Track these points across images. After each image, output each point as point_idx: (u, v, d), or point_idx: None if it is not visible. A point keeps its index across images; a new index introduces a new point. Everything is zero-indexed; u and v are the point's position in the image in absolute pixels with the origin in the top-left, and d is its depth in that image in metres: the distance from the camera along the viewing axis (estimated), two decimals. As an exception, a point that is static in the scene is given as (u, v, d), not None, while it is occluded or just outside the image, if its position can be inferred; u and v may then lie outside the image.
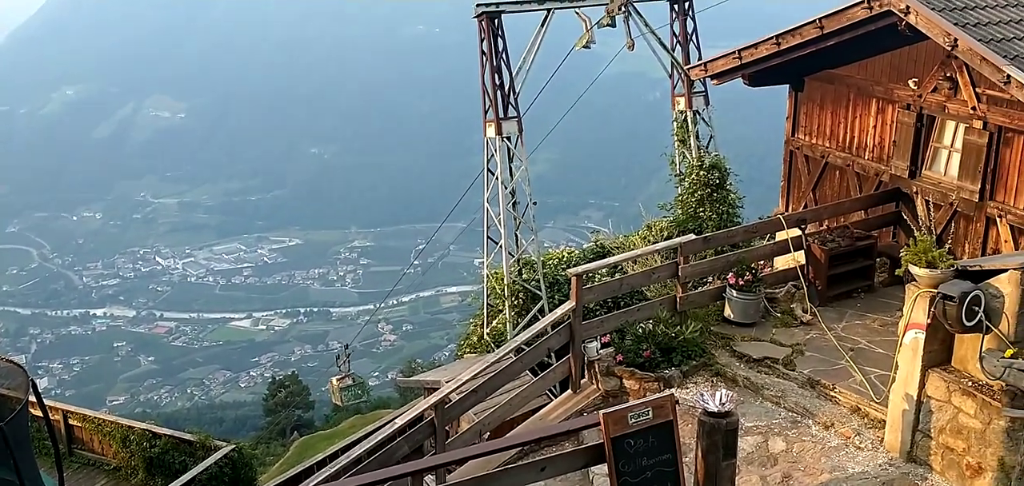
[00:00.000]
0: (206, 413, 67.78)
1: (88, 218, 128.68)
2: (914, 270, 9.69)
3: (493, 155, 18.81)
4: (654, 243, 17.44)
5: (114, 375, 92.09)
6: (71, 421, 19.73)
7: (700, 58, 19.83)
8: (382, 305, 74.86)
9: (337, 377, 25.67)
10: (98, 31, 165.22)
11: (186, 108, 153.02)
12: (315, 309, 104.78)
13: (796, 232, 13.94)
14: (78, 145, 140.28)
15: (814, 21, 13.67)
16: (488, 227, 19.30)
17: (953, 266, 9.65)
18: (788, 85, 16.12)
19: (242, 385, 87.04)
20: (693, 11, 20.85)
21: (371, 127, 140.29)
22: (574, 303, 11.81)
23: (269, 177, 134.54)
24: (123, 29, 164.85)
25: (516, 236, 19.26)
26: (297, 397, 45.88)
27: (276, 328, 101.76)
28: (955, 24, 12.08)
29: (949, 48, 12.09)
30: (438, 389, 11.05)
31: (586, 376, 12.25)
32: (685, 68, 20.30)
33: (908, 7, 12.35)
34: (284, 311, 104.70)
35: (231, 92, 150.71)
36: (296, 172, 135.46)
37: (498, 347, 15.17)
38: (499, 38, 18.52)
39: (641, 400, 8.83)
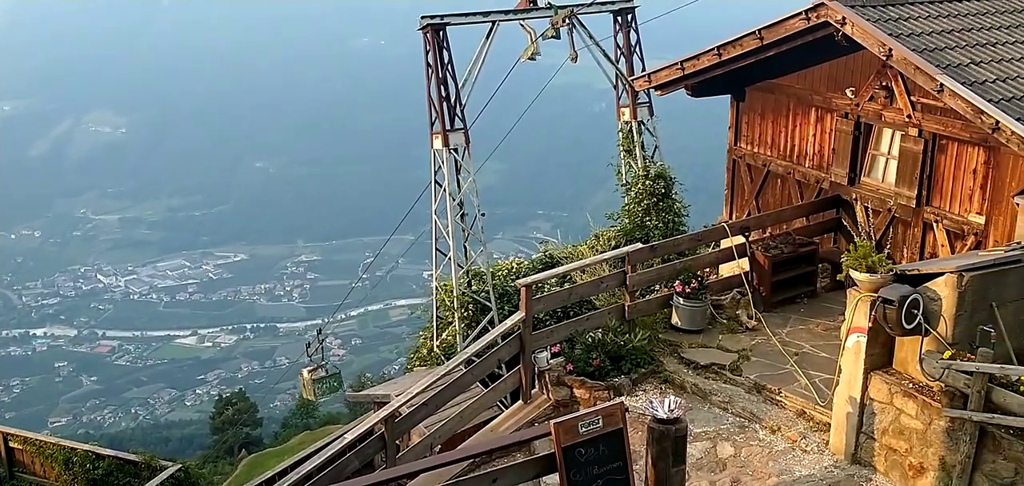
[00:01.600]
0: (151, 433, 66.45)
1: (26, 236, 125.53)
2: (855, 275, 9.90)
3: (440, 167, 18.81)
4: (602, 252, 17.57)
5: (56, 396, 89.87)
6: (12, 444, 19.21)
7: (644, 69, 20.06)
8: (330, 320, 74.18)
9: (308, 368, 23.44)
10: (35, 46, 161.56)
11: (127, 123, 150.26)
12: (262, 325, 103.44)
13: (740, 239, 14.16)
14: (15, 162, 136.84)
15: (754, 32, 13.93)
16: (436, 239, 19.28)
17: (892, 270, 9.89)
18: (730, 95, 16.39)
19: (188, 403, 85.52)
20: (636, 23, 21.07)
21: (317, 140, 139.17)
22: (524, 314, 11.85)
23: (213, 192, 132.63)
24: (61, 44, 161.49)
25: (465, 248, 19.26)
26: (245, 414, 45.25)
27: (222, 345, 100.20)
28: (890, 34, 12.40)
29: (884, 58, 12.41)
30: (388, 403, 11.01)
31: (537, 386, 12.29)
32: (629, 79, 20.50)
33: (844, 18, 12.65)
34: (230, 327, 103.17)
35: (174, 106, 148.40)
36: (241, 186, 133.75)
37: (448, 360, 15.14)
38: (445, 50, 18.53)
39: (591, 409, 8.89)
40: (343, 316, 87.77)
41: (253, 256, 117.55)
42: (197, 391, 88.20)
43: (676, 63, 15.59)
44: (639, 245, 14.07)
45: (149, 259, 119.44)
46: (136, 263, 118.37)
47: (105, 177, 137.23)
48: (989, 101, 11.44)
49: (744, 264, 14.10)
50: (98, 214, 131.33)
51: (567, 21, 19.45)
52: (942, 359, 9.27)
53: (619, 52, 21.23)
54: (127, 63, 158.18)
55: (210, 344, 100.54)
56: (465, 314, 18.76)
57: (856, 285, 9.95)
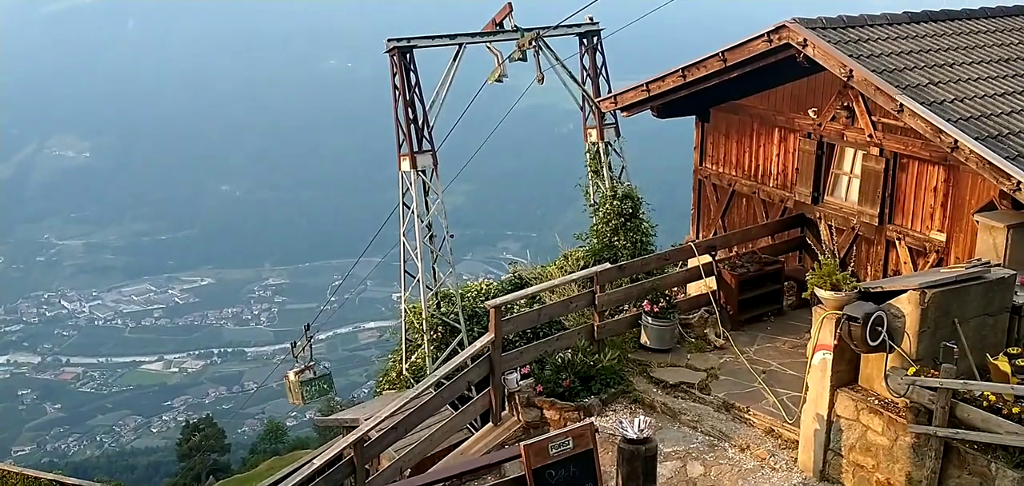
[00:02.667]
0: (117, 461, 65.41)
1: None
2: (820, 293, 10.01)
3: (408, 189, 18.79)
4: (571, 273, 17.62)
5: (19, 424, 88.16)
6: (-28, 475, 18.88)
7: (610, 91, 20.20)
8: (299, 342, 73.55)
9: (294, 370, 21.52)
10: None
11: (91, 147, 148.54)
12: (229, 349, 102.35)
13: (707, 258, 14.28)
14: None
15: (717, 54, 14.10)
16: (405, 261, 19.23)
17: (856, 288, 10.01)
18: (695, 116, 16.55)
19: (154, 430, 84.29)
20: (602, 46, 21.23)
21: (284, 163, 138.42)
22: (493, 335, 11.85)
23: (179, 216, 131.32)
24: (23, 67, 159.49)
25: (433, 269, 19.23)
26: (212, 440, 44.66)
27: (189, 370, 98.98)
28: (850, 56, 12.61)
29: (845, 79, 12.61)
30: (357, 427, 10.94)
31: (507, 408, 12.28)
32: (595, 101, 20.63)
33: (805, 40, 12.85)
34: (197, 352, 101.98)
35: (138, 130, 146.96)
36: (207, 210, 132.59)
37: (417, 382, 15.08)
38: (411, 72, 18.55)
39: (562, 430, 8.91)
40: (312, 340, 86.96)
41: (220, 280, 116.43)
42: (163, 417, 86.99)
43: (641, 85, 15.73)
44: (608, 265, 14.14)
45: (114, 284, 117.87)
46: (101, 288, 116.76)
47: (69, 201, 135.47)
48: (947, 121, 11.66)
49: (711, 283, 14.21)
50: (62, 239, 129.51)
51: (533, 44, 19.56)
52: (907, 375, 9.39)
53: (585, 74, 21.38)
54: (91, 87, 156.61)
55: (176, 369, 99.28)
56: (434, 336, 18.70)
57: (821, 303, 10.06)
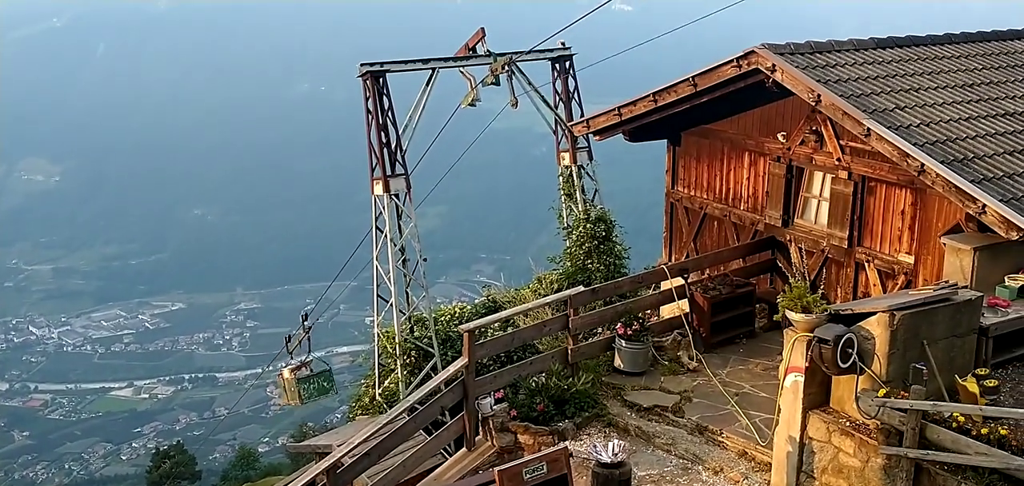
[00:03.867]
0: (86, 489, 64.35)
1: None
2: (791, 315, 10.09)
3: (381, 213, 18.76)
4: (545, 296, 17.65)
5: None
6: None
7: (582, 114, 20.32)
8: (269, 368, 72.93)
9: (290, 367, 19.66)
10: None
11: (61, 171, 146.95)
12: (200, 375, 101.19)
13: (679, 281, 14.36)
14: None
15: (688, 79, 14.24)
16: (378, 285, 19.16)
17: (826, 310, 10.10)
18: (667, 140, 16.68)
19: (124, 458, 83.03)
20: (574, 70, 21.38)
21: (257, 187, 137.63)
22: (467, 359, 11.84)
23: (150, 240, 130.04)
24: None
25: (407, 293, 19.18)
26: (183, 467, 44.07)
27: (159, 396, 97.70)
28: (818, 81, 12.78)
29: (813, 103, 12.77)
30: (330, 453, 10.87)
31: (481, 433, 12.25)
32: (568, 125, 20.74)
33: (774, 65, 13.01)
34: (167, 378, 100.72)
35: (109, 154, 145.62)
36: (179, 234, 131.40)
37: (391, 407, 15.01)
38: (384, 97, 18.56)
39: (536, 455, 8.90)
40: (283, 364, 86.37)
41: (191, 305, 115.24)
42: (133, 444, 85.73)
43: (613, 109, 15.85)
44: (581, 288, 14.19)
45: (83, 309, 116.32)
46: (70, 314, 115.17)
47: (38, 226, 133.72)
48: (914, 145, 11.84)
49: (684, 305, 14.29)
50: (31, 264, 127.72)
51: (506, 68, 19.66)
52: (877, 397, 9.48)
53: (558, 98, 21.49)
54: (61, 111, 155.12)
55: (146, 396, 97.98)
56: (407, 361, 18.63)
57: (792, 325, 10.14)
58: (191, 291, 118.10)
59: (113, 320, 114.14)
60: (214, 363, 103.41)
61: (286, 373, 19.36)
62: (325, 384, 19.63)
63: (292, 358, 19.80)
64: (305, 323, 19.79)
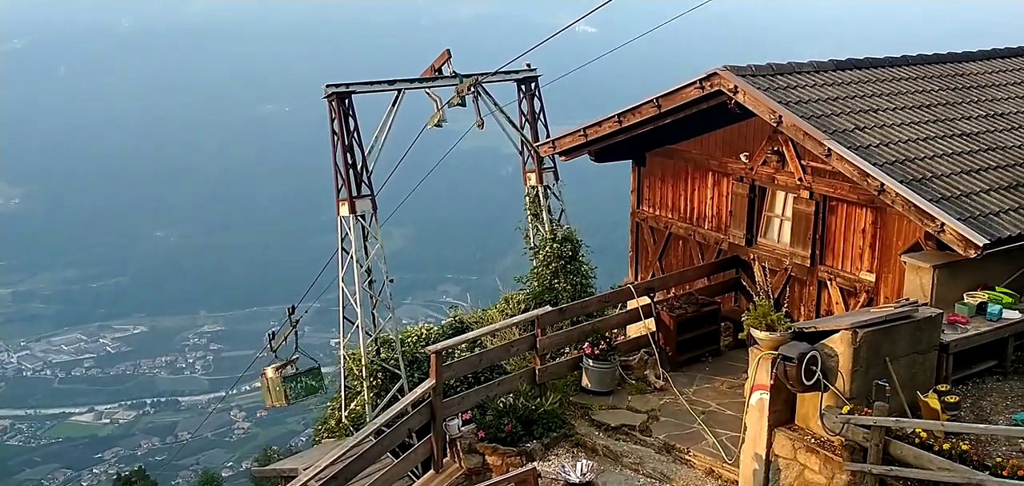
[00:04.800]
0: (45, 517, 63.06)
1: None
2: (756, 333, 10.19)
3: (347, 234, 18.66)
4: (512, 316, 17.65)
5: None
6: None
7: (548, 135, 20.41)
8: (233, 391, 72.15)
9: (274, 365, 18.57)
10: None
11: (21, 193, 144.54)
12: (163, 399, 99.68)
13: (645, 300, 14.45)
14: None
15: (652, 100, 14.39)
16: (344, 307, 19.02)
17: (790, 328, 10.22)
18: (631, 160, 16.81)
19: (85, 484, 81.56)
20: (539, 91, 21.47)
21: (221, 208, 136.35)
22: (434, 381, 11.80)
23: (112, 263, 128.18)
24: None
25: (373, 315, 19.06)
26: (145, 494, 43.37)
27: (120, 421, 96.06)
28: (779, 102, 12.97)
29: (775, 124, 12.96)
30: (296, 477, 10.77)
31: (448, 455, 12.20)
32: (534, 145, 20.81)
33: (736, 87, 13.18)
34: (129, 403, 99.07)
35: (71, 176, 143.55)
36: (141, 257, 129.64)
37: (357, 430, 14.90)
38: (350, 118, 18.50)
39: (504, 476, 8.89)
40: (248, 387, 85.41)
41: (153, 328, 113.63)
42: (94, 470, 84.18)
43: (579, 129, 15.96)
44: (549, 308, 14.22)
45: (43, 333, 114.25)
46: (29, 338, 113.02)
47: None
48: (873, 164, 12.04)
49: (650, 324, 14.37)
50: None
51: (472, 89, 19.68)
52: (841, 414, 9.59)
53: (524, 119, 21.56)
54: (21, 133, 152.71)
55: (108, 420, 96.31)
56: (374, 383, 18.49)
57: (757, 343, 10.24)
58: (153, 314, 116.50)
59: (74, 344, 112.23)
60: (177, 387, 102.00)
61: (269, 372, 18.32)
62: (313, 382, 18.66)
63: (276, 356, 18.85)
64: (292, 317, 18.74)
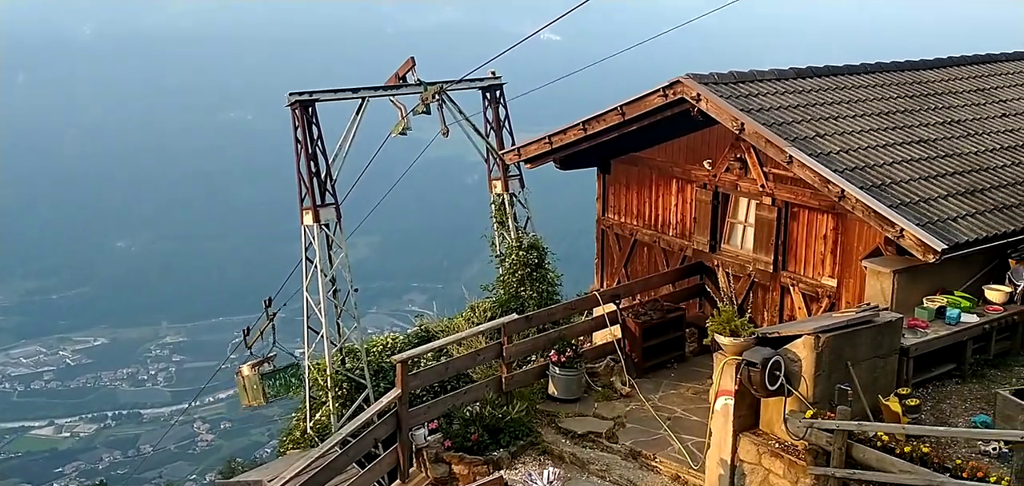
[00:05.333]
0: (3, 534, 61.85)
1: None
2: (719, 339, 10.26)
3: (311, 243, 18.53)
4: (478, 324, 17.63)
5: None
6: None
7: (513, 143, 20.44)
8: (196, 403, 71.30)
9: (249, 363, 17.88)
10: None
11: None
12: (124, 412, 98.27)
13: (611, 307, 14.49)
14: None
15: (617, 107, 14.47)
16: (308, 316, 18.88)
17: (754, 334, 10.30)
18: (597, 168, 16.88)
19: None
20: (504, 99, 21.49)
21: (184, 217, 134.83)
22: (400, 390, 11.75)
23: (72, 273, 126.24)
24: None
25: (338, 324, 18.94)
26: (106, 509, 42.75)
27: (81, 435, 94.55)
28: (741, 110, 13.09)
29: (738, 131, 13.07)
30: (261, 491, 10.67)
31: (415, 464, 12.15)
32: (499, 153, 20.83)
33: (699, 94, 13.29)
34: (90, 415, 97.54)
35: (31, 185, 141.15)
36: (102, 267, 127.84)
37: (323, 441, 14.79)
38: (314, 126, 18.40)
39: (471, 485, 8.85)
40: (211, 398, 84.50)
41: (115, 340, 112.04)
42: (54, 485, 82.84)
43: (544, 137, 15.99)
44: (515, 316, 14.21)
45: (2, 346, 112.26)
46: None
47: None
48: (834, 171, 12.19)
49: (616, 331, 14.42)
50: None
51: (437, 97, 19.65)
52: (804, 418, 9.68)
53: (489, 127, 21.57)
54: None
55: (68, 434, 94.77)
56: (339, 393, 18.36)
57: (721, 349, 10.31)
58: (115, 326, 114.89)
59: (33, 356, 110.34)
60: (138, 399, 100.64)
61: (245, 369, 17.52)
62: (293, 379, 17.99)
63: (252, 354, 18.21)
64: (268, 310, 17.97)
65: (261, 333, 18.21)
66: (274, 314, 18.28)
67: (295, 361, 18.50)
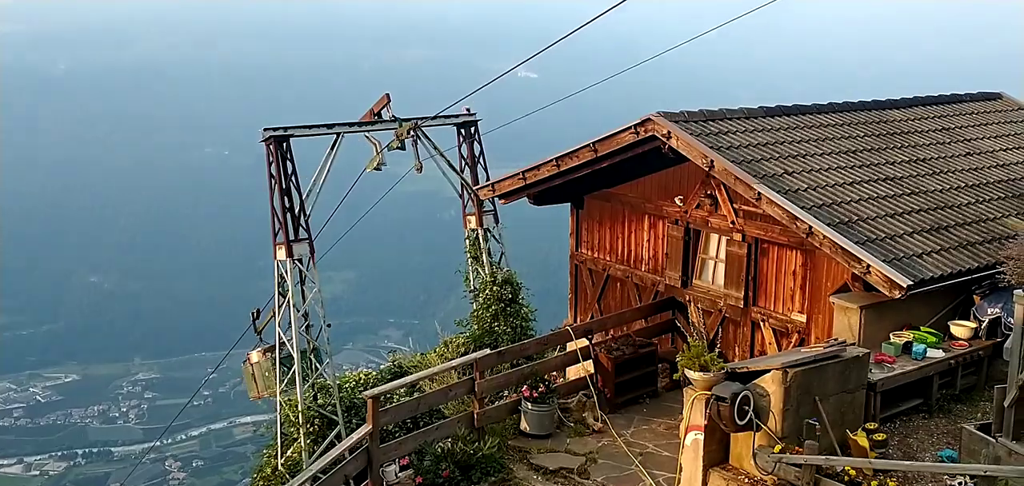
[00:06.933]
0: (-33, 576, 60.50)
1: None
2: (689, 374, 10.33)
3: (284, 278, 18.47)
4: (451, 360, 17.58)
5: None
6: None
7: (488, 178, 20.54)
8: (168, 440, 70.40)
9: (259, 349, 16.50)
10: None
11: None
12: (94, 449, 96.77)
13: (584, 342, 14.54)
14: None
15: (589, 144, 14.62)
16: (280, 352, 18.75)
17: (724, 369, 10.37)
18: (570, 204, 16.99)
19: (11, 539, 78.65)
20: (479, 135, 21.60)
21: (157, 252, 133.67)
22: (371, 426, 11.71)
23: (42, 309, 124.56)
24: None
25: (310, 360, 18.85)
26: (74, 548, 41.98)
27: (51, 473, 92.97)
28: (711, 147, 13.27)
29: (708, 168, 13.23)
30: (229, 528, 10.56)
31: (385, 501, 12.07)
32: (474, 188, 20.90)
33: (669, 132, 13.46)
34: (59, 453, 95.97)
35: (1, 220, 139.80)
36: (73, 303, 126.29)
37: (293, 478, 14.65)
38: (288, 161, 18.40)
39: (439, 522, 8.82)
40: (184, 436, 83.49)
41: (85, 376, 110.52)
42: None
43: (518, 173, 16.11)
44: (487, 351, 14.22)
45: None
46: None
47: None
48: (802, 208, 12.36)
49: (589, 366, 14.45)
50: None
51: (412, 133, 19.73)
52: (773, 453, 9.74)
53: (463, 162, 21.65)
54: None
55: (37, 472, 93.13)
56: (311, 429, 18.23)
57: (692, 384, 10.37)
58: (85, 362, 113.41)
59: (2, 394, 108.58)
60: (109, 437, 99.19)
61: (255, 355, 16.03)
62: (314, 364, 16.65)
63: (261, 339, 16.91)
64: (280, 288, 16.46)
65: (269, 319, 16.76)
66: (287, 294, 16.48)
67: (313, 347, 17.44)
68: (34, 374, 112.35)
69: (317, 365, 18.66)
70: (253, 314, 17.69)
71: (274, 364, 16.34)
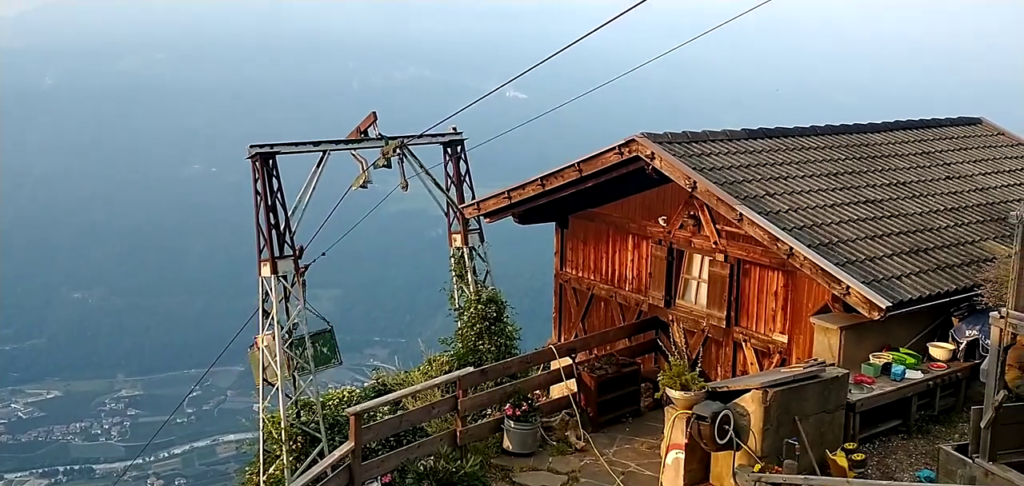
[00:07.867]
0: None
1: None
2: (670, 393, 10.40)
3: (268, 295, 18.45)
4: (434, 378, 17.58)
5: None
6: None
7: (474, 197, 20.61)
8: (150, 458, 69.89)
9: (269, 333, 15.72)
10: None
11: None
12: (76, 467, 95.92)
13: (568, 361, 14.59)
14: None
15: (574, 164, 14.71)
16: (264, 368, 18.71)
17: (705, 388, 10.45)
18: (555, 223, 17.07)
19: (-9, 558, 77.74)
20: (465, 154, 21.68)
21: (142, 269, 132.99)
22: (353, 443, 11.70)
23: (25, 325, 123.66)
24: None
25: (293, 377, 18.81)
26: (54, 567, 41.57)
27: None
28: (694, 168, 13.38)
29: (691, 189, 13.35)
30: (209, 544, 10.53)
31: (367, 518, 12.05)
32: (459, 207, 20.96)
33: (653, 153, 13.57)
34: (40, 471, 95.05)
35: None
36: (56, 319, 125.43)
37: (276, 495, 14.61)
38: (274, 178, 18.43)
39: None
40: (166, 454, 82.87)
41: (68, 393, 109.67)
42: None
43: (503, 192, 16.20)
44: (470, 369, 14.24)
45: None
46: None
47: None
48: (783, 229, 12.48)
49: (572, 385, 14.49)
50: None
51: (398, 151, 19.79)
52: (753, 472, 9.80)
53: (449, 181, 21.71)
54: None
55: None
56: (293, 447, 18.18)
57: (673, 403, 10.44)
58: (68, 378, 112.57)
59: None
60: (91, 454, 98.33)
61: (264, 340, 15.20)
62: (326, 350, 15.49)
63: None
64: (297, 262, 15.79)
65: (286, 294, 15.74)
66: (306, 267, 15.56)
67: (328, 328, 16.52)
68: (17, 390, 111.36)
69: (300, 383, 18.64)
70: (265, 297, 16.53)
71: (289, 347, 15.72)
